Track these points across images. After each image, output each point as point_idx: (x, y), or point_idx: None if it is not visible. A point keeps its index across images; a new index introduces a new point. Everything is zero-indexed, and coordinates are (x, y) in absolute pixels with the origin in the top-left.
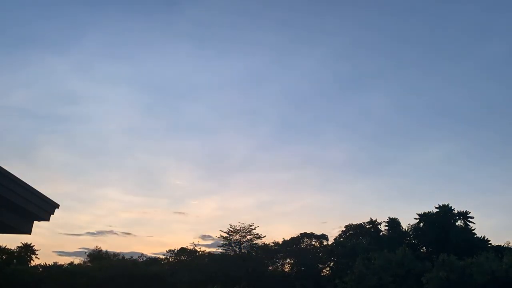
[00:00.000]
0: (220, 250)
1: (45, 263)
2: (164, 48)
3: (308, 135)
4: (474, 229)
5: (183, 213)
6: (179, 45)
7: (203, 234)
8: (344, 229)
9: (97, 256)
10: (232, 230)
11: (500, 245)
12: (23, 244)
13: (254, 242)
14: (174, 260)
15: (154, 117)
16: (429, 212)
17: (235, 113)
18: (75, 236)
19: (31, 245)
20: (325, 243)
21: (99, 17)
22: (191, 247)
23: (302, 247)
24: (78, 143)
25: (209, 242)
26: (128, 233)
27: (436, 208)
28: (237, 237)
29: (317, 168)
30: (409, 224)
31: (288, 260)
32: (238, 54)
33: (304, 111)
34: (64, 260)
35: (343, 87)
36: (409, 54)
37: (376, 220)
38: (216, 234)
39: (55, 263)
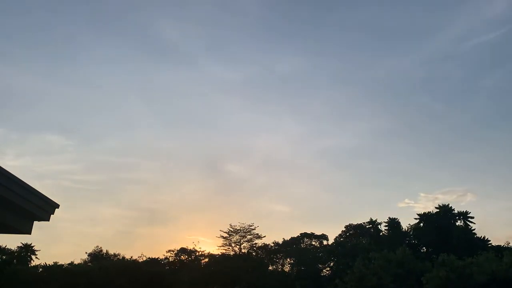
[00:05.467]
0: (220, 250)
1: (45, 263)
2: None
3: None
4: (474, 229)
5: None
6: None
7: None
8: (344, 229)
9: (97, 256)
10: (232, 230)
11: (500, 245)
12: (23, 244)
13: (254, 242)
14: (174, 260)
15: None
16: (429, 212)
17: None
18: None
19: (31, 245)
20: (325, 243)
21: None
22: (191, 247)
23: (302, 247)
24: None
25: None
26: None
27: (436, 208)
28: (237, 237)
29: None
30: (409, 224)
31: (288, 260)
32: None
33: None
34: (64, 260)
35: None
36: None
37: (376, 220)
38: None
39: (55, 263)
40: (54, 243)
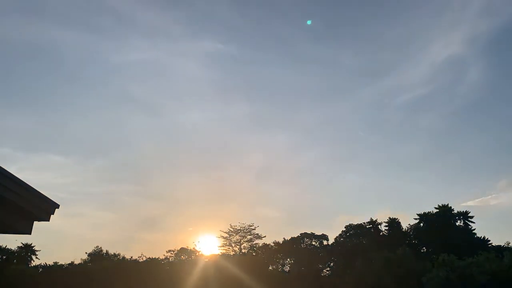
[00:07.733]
0: (220, 250)
1: (45, 263)
2: None
3: None
4: (474, 229)
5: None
6: None
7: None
8: (344, 229)
9: (97, 256)
10: (232, 230)
11: (500, 245)
12: (23, 244)
13: (254, 242)
14: (174, 260)
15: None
16: (429, 212)
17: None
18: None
19: (31, 245)
20: (325, 243)
21: None
22: (191, 247)
23: (302, 247)
24: None
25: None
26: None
27: (436, 208)
28: (237, 237)
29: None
30: (409, 224)
31: (288, 260)
32: None
33: None
34: (64, 260)
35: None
36: None
37: (376, 220)
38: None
39: (55, 263)
40: (54, 246)
